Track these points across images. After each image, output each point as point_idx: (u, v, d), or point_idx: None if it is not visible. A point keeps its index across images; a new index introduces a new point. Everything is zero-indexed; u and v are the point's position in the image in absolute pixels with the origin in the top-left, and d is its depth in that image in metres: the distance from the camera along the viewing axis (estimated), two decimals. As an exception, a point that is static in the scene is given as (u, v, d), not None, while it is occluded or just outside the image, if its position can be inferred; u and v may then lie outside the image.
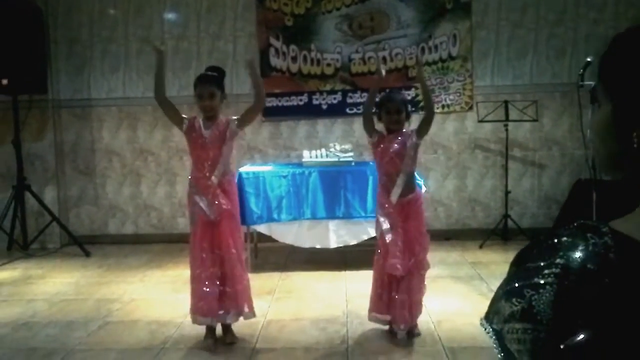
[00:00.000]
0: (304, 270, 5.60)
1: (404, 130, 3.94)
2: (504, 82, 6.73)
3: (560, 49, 6.67)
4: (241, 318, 3.98)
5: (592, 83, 4.98)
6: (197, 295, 3.87)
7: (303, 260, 5.86)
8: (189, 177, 3.99)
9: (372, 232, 5.49)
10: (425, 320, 4.23)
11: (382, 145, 3.88)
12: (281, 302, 4.77)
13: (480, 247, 6.28)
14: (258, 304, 4.65)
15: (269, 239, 5.71)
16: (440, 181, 6.88)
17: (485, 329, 0.84)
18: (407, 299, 3.83)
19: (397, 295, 3.82)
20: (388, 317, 3.91)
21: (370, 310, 3.99)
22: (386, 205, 3.87)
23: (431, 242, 6.37)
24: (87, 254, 6.40)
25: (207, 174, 3.85)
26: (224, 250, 3.85)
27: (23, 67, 6.25)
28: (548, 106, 6.69)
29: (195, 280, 3.88)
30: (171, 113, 3.96)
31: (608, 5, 6.57)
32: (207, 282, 3.83)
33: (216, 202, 3.83)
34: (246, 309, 3.97)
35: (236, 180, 4.35)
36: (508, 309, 0.79)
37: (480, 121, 6.41)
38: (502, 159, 6.59)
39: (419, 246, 3.90)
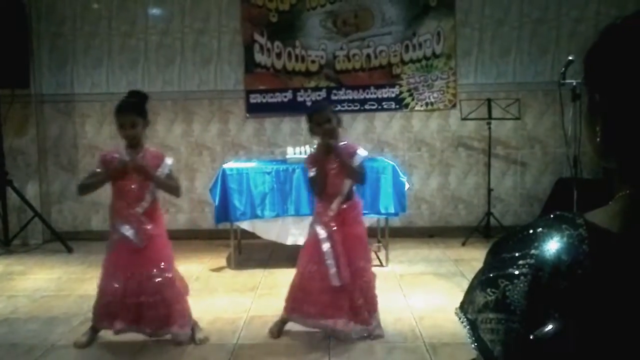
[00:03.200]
0: (287, 267, 5.57)
1: (345, 143, 3.92)
2: (487, 80, 6.77)
3: (543, 47, 6.71)
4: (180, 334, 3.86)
5: (573, 82, 5.02)
6: (104, 318, 3.81)
7: (286, 256, 5.84)
8: (109, 207, 3.88)
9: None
10: (407, 316, 4.26)
11: (324, 165, 3.84)
12: (264, 299, 4.77)
13: (463, 244, 6.31)
14: (241, 300, 4.68)
15: (252, 235, 5.70)
16: (423, 179, 6.90)
17: (460, 319, 0.85)
18: (362, 301, 3.86)
19: (353, 302, 3.84)
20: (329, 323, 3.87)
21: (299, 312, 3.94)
22: (324, 217, 3.83)
23: (414, 239, 6.54)
24: (70, 250, 6.36)
25: (132, 205, 3.73)
26: (154, 274, 3.75)
27: (5, 61, 6.18)
28: (531, 104, 6.74)
29: (102, 306, 3.80)
30: (97, 185, 3.84)
31: (590, 4, 6.63)
32: (121, 309, 3.74)
33: (142, 228, 3.72)
34: (186, 326, 3.86)
35: (159, 206, 4.04)
36: (482, 299, 0.80)
37: (464, 119, 6.43)
38: (485, 157, 6.63)
39: (357, 253, 3.86)
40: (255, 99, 6.82)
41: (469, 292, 0.85)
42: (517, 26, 6.73)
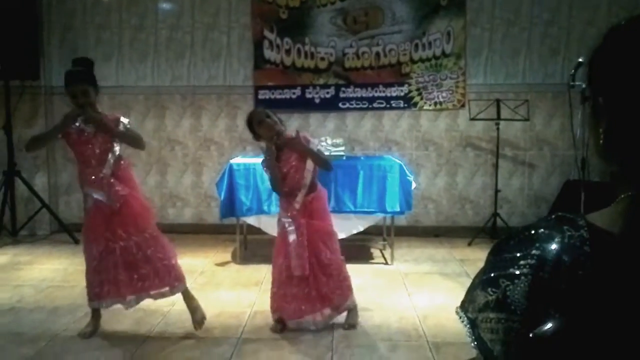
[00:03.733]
0: (292, 263, 5.60)
1: (293, 136, 3.99)
2: (496, 81, 6.75)
3: (553, 49, 6.69)
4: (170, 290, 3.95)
5: (583, 84, 5.00)
6: (95, 285, 3.84)
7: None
8: (78, 177, 3.92)
9: (362, 227, 5.53)
10: (411, 315, 4.26)
11: (281, 162, 3.95)
12: (268, 294, 4.73)
13: (469, 244, 6.30)
14: (245, 295, 4.69)
15: (258, 231, 5.71)
16: (430, 178, 6.89)
17: (460, 318, 0.85)
18: (328, 289, 3.95)
19: (321, 289, 3.94)
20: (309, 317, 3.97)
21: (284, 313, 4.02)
22: (289, 211, 3.93)
23: (420, 238, 6.54)
24: (76, 242, 6.37)
25: (97, 168, 3.77)
26: (132, 236, 3.80)
27: (15, 53, 6.23)
28: (539, 106, 6.72)
29: (91, 272, 3.84)
30: (48, 138, 4.07)
31: (601, 6, 6.59)
32: (105, 271, 3.79)
33: (113, 190, 3.76)
34: (175, 283, 3.92)
35: (132, 170, 4.22)
36: (483, 298, 0.80)
37: (472, 119, 6.42)
38: (492, 158, 6.61)
39: (322, 247, 3.94)
40: (264, 95, 6.83)
41: (470, 291, 0.85)
42: (527, 27, 6.70)
